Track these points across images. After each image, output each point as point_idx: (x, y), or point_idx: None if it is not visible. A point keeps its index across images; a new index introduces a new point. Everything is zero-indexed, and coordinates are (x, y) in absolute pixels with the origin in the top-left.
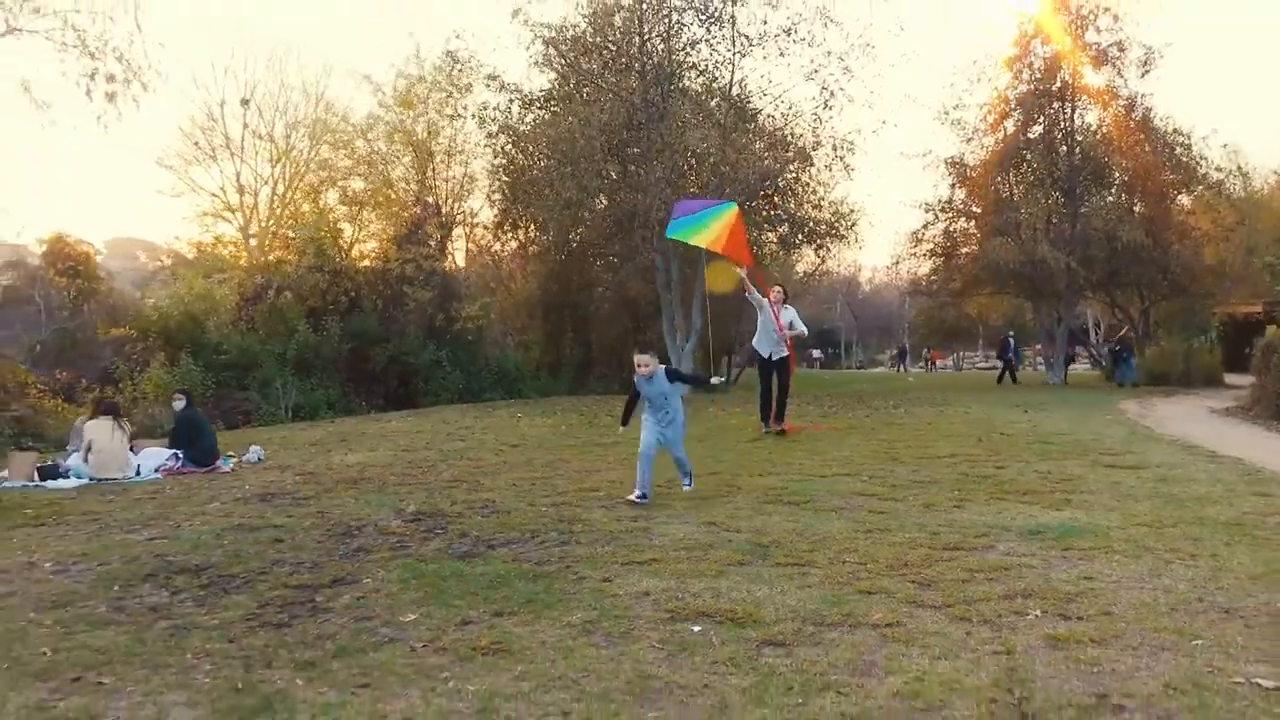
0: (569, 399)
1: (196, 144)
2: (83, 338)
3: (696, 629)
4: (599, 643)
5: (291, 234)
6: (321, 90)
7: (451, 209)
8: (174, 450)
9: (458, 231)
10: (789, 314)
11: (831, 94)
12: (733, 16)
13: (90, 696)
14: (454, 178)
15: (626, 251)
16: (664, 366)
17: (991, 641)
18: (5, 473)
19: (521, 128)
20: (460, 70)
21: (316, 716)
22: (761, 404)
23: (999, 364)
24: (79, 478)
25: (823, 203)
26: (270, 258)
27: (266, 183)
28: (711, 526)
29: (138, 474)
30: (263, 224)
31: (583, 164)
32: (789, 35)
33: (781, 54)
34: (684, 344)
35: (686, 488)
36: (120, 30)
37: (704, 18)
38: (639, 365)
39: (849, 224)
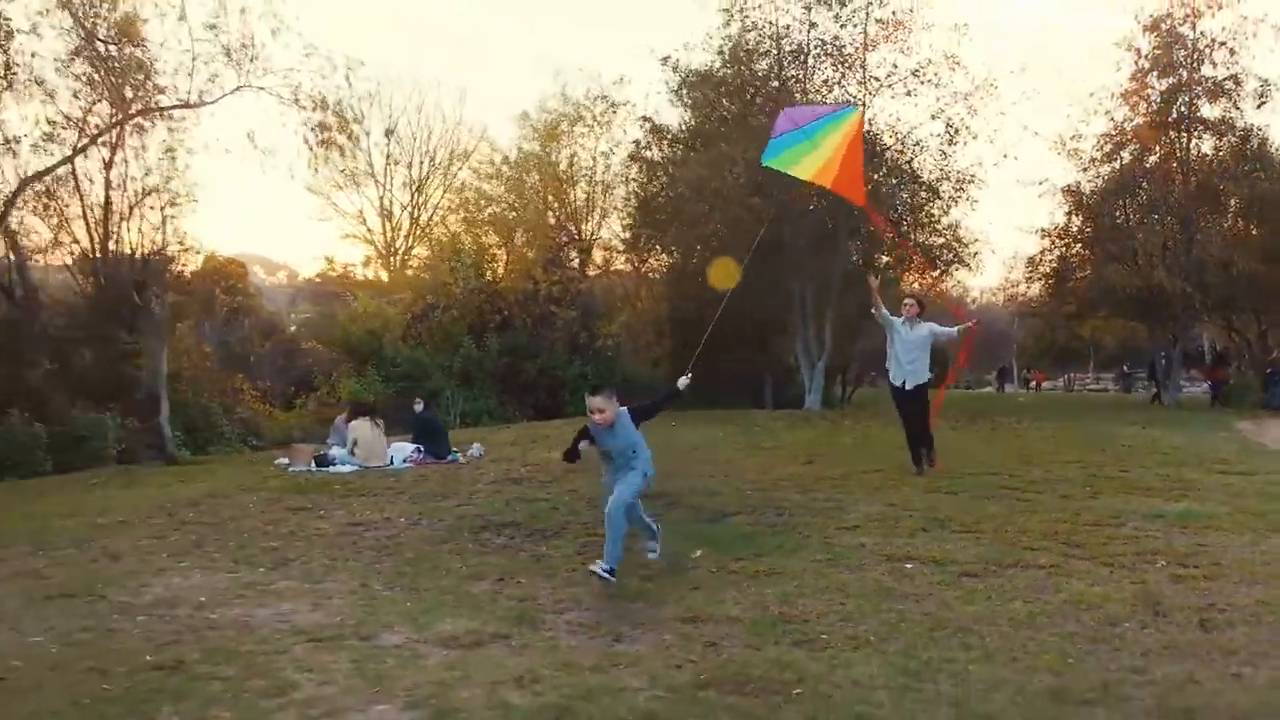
0: (705, 412)
1: (342, 171)
2: (240, 351)
3: (909, 566)
4: (842, 570)
5: (454, 262)
6: (458, 119)
7: (592, 233)
8: (416, 445)
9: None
10: (924, 330)
11: (956, 131)
12: (864, 61)
13: (522, 589)
14: (591, 204)
15: (763, 279)
16: (625, 408)
17: (1130, 577)
18: (286, 459)
19: (655, 158)
20: (600, 106)
21: (676, 603)
22: (908, 440)
23: (1150, 384)
24: (347, 465)
25: (943, 230)
26: (426, 278)
27: (406, 208)
28: (892, 506)
29: (391, 463)
30: (402, 246)
31: (722, 199)
32: (916, 77)
33: (909, 94)
34: (818, 362)
35: (652, 555)
36: (329, 85)
37: (837, 62)
38: (592, 411)
39: (971, 252)
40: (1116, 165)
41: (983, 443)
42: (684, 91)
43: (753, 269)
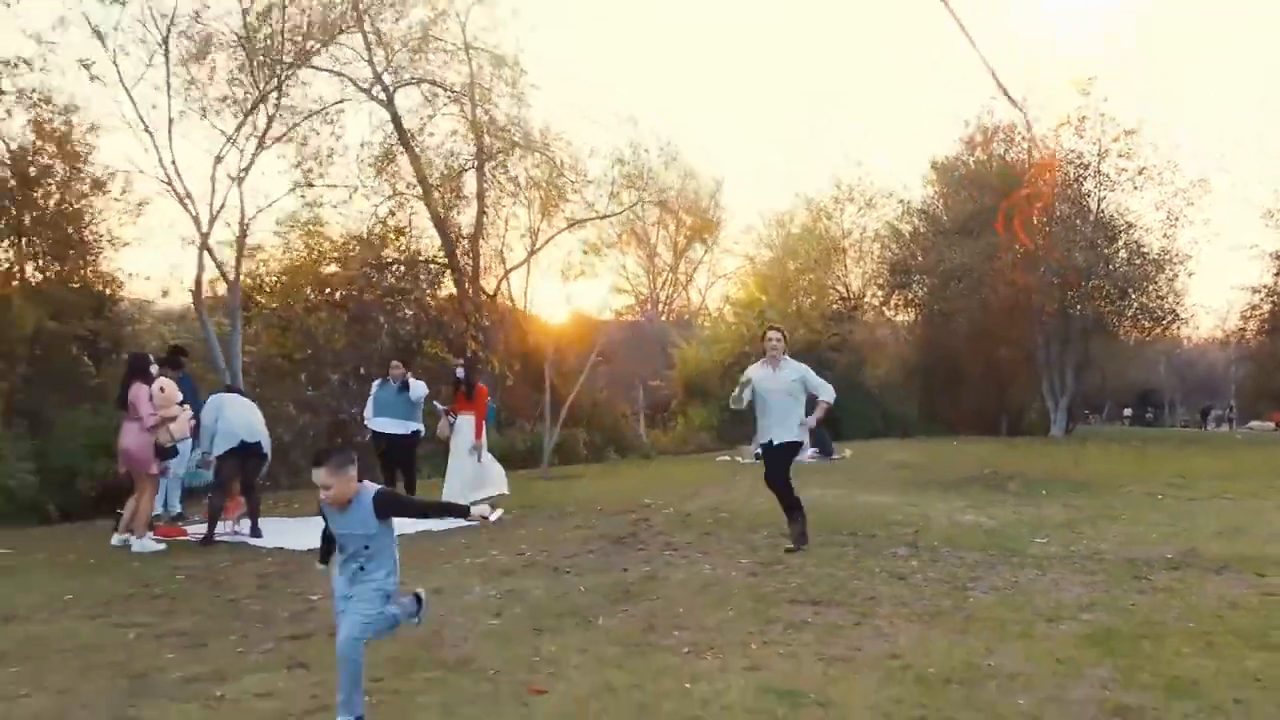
0: (957, 442)
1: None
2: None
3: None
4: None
5: (756, 317)
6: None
7: (860, 293)
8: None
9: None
10: (795, 372)
11: (1176, 219)
12: (1098, 167)
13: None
14: (850, 266)
15: (1012, 330)
16: (375, 489)
17: None
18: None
19: (907, 231)
20: (864, 190)
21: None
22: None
23: None
24: None
25: (1164, 295)
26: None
27: (668, 268)
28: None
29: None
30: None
31: (984, 283)
32: (1141, 174)
33: (1136, 188)
34: (1061, 399)
35: (413, 622)
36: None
37: (1076, 166)
38: (321, 487)
39: (1189, 313)
40: None
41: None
42: (936, 181)
43: (998, 323)
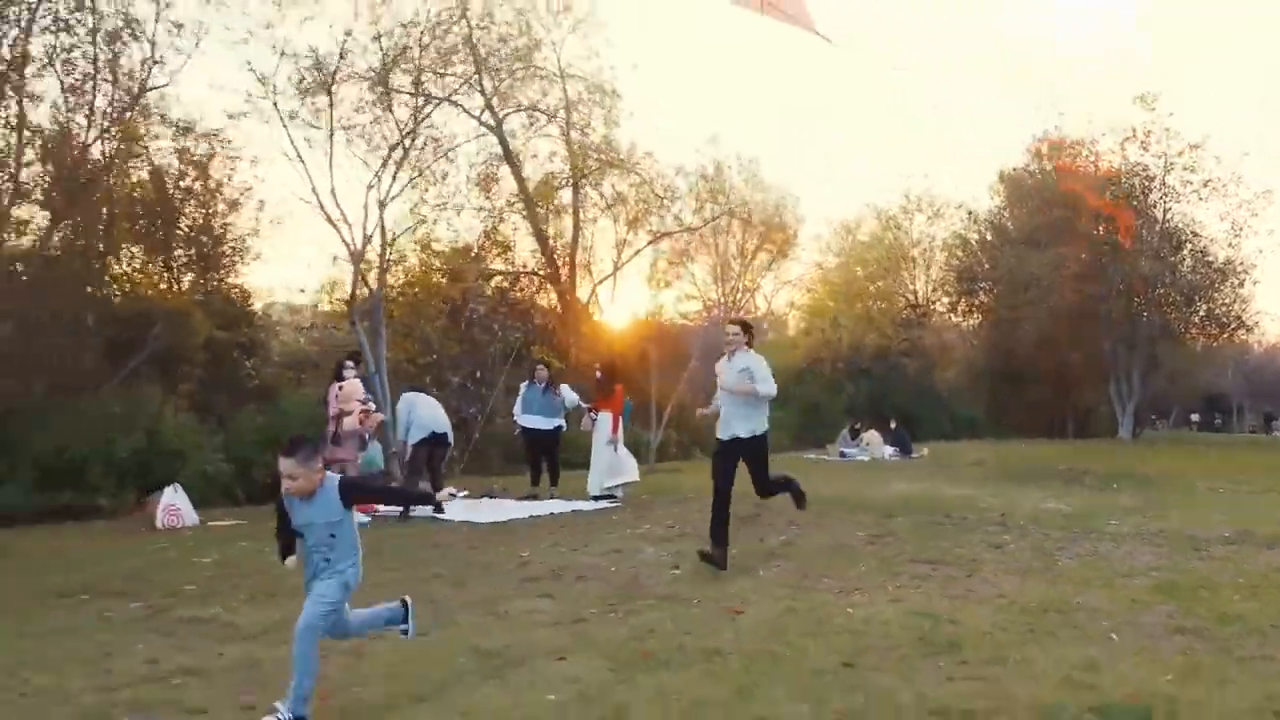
0: (1026, 444)
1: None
2: None
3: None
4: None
5: (833, 324)
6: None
7: (928, 299)
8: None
9: None
10: (743, 363)
11: (1240, 230)
12: (1163, 179)
13: None
14: (916, 273)
15: (1080, 336)
16: (338, 478)
17: None
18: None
19: (973, 239)
20: (932, 200)
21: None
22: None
23: None
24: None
25: (1230, 303)
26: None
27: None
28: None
29: None
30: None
31: (1053, 290)
32: (1206, 186)
33: (1201, 199)
34: (1129, 403)
35: (405, 635)
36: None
37: (1143, 179)
38: (288, 477)
39: (1254, 319)
40: None
41: None
42: (1003, 191)
43: (1065, 329)
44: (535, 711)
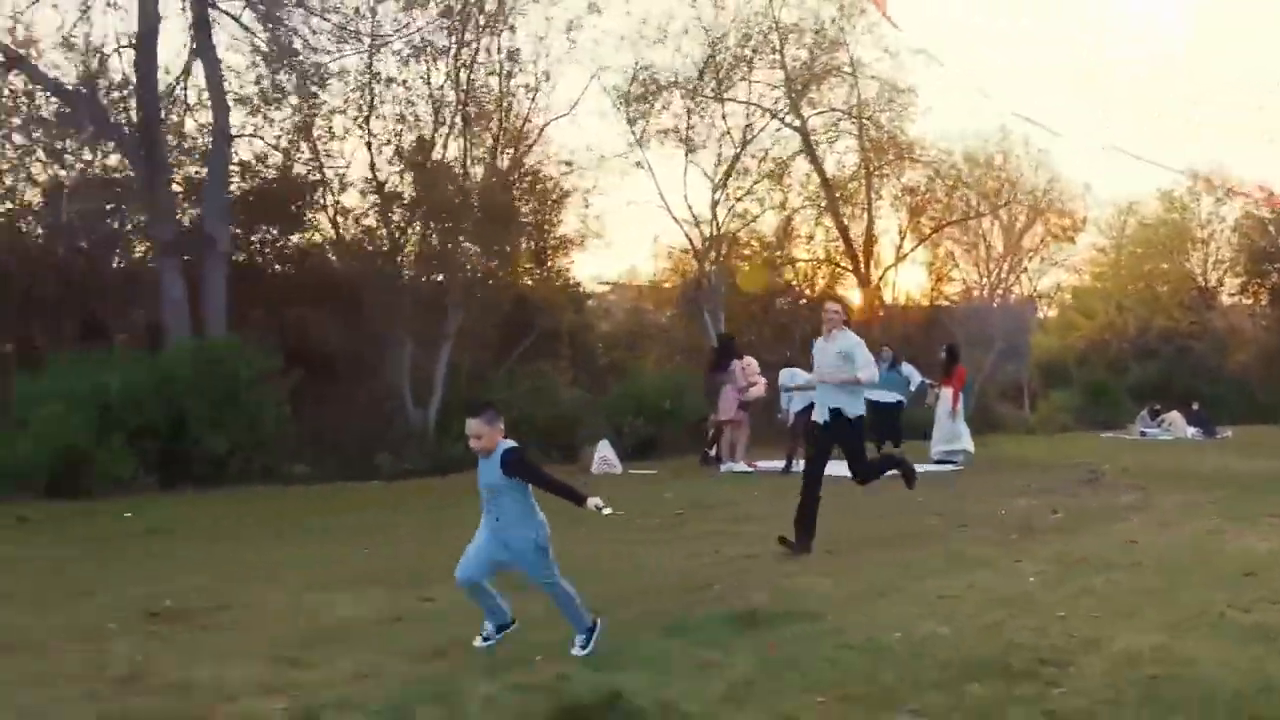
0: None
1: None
2: None
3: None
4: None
5: (1115, 308)
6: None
7: (1216, 283)
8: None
9: None
10: (844, 344)
11: None
12: None
13: None
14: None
15: None
16: (509, 445)
17: None
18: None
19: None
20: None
21: None
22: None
23: None
24: None
25: None
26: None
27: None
28: None
29: None
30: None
31: None
32: None
33: None
34: None
35: (579, 650)
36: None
37: None
38: (472, 436)
39: None
40: None
41: None
42: None
43: None
44: (1022, 584)
